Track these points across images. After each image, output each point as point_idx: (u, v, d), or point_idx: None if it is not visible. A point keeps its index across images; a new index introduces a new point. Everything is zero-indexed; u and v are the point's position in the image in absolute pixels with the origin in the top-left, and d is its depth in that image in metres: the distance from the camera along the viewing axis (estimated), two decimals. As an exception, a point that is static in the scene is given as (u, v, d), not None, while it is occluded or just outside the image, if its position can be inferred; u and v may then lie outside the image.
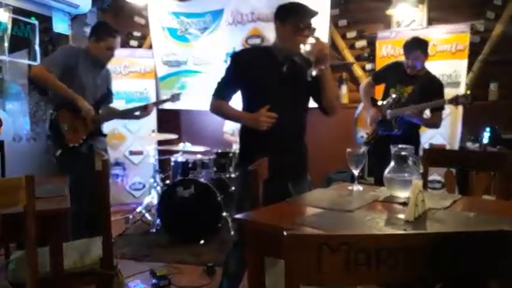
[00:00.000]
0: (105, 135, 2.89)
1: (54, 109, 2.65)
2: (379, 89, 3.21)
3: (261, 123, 1.80)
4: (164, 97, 3.28)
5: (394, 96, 2.86)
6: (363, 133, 3.08)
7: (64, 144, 2.60)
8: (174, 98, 3.22)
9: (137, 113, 3.01)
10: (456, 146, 3.66)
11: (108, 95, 2.88)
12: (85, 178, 2.12)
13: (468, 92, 2.73)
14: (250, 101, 1.94)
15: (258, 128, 1.81)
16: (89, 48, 2.75)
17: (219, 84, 1.99)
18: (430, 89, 2.81)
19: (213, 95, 1.99)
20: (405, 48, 2.85)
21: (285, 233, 0.74)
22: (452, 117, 3.64)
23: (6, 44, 3.71)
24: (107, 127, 3.06)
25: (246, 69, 1.90)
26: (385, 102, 2.92)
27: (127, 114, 3.12)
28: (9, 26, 3.73)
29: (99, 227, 1.78)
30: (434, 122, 2.90)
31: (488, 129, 3.53)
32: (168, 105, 4.68)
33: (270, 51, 1.94)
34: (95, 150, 2.47)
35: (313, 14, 1.85)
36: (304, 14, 1.84)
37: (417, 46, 2.79)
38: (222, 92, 1.97)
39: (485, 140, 3.51)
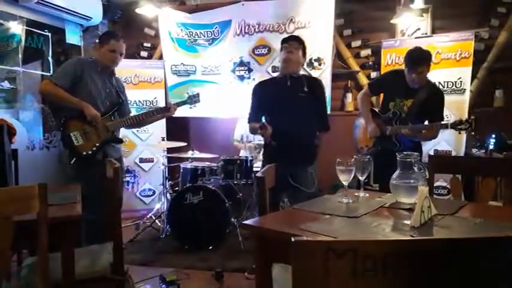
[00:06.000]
0: (121, 141, 2.88)
1: (65, 119, 2.67)
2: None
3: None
4: (182, 99, 3.24)
5: (393, 111, 2.74)
6: (362, 145, 2.95)
7: (77, 152, 2.63)
8: (192, 99, 3.16)
9: (156, 115, 2.94)
10: (461, 153, 3.65)
11: (121, 103, 2.86)
12: (99, 185, 2.15)
13: (472, 117, 2.60)
14: None
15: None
16: (96, 56, 2.77)
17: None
18: (431, 102, 2.68)
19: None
20: (409, 62, 2.61)
21: (292, 239, 0.74)
22: (458, 124, 3.64)
23: (20, 56, 3.78)
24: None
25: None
26: (386, 118, 2.79)
27: (144, 120, 2.94)
28: (23, 38, 3.81)
29: (110, 233, 1.81)
30: (432, 135, 2.79)
31: (493, 135, 3.52)
32: (177, 113, 4.76)
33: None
34: (108, 157, 2.48)
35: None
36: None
37: (424, 61, 2.59)
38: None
39: (491, 146, 3.50)
